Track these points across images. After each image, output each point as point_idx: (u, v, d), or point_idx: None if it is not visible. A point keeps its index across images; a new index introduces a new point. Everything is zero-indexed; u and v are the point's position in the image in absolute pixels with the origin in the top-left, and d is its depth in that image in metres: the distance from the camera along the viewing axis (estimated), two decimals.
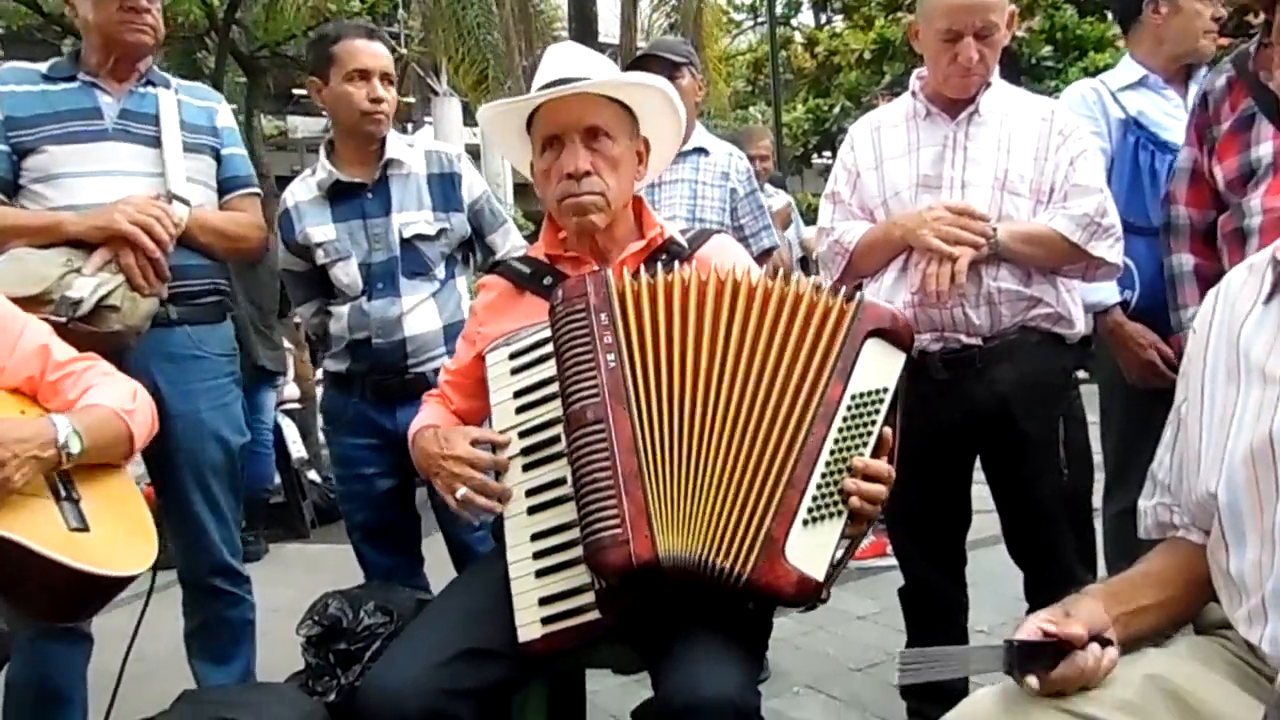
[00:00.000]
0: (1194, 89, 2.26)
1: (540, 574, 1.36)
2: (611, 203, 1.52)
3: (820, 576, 1.26)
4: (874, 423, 1.32)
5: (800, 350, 1.33)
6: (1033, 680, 1.01)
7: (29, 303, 1.75)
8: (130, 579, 1.49)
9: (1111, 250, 1.93)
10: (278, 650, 2.50)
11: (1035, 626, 1.05)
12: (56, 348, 1.59)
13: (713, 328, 1.34)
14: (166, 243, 1.94)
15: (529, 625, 1.35)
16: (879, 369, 1.34)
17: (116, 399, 1.54)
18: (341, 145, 2.31)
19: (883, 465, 1.32)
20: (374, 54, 2.24)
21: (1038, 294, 1.93)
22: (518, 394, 1.44)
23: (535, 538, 1.37)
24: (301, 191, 2.32)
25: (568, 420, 1.32)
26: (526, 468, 1.41)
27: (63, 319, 1.79)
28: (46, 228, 1.90)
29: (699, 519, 1.26)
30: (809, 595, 1.26)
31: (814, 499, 1.27)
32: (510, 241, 2.42)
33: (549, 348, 1.41)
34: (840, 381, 1.31)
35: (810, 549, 1.26)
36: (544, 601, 1.35)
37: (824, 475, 1.28)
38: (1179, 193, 2.04)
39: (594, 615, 1.32)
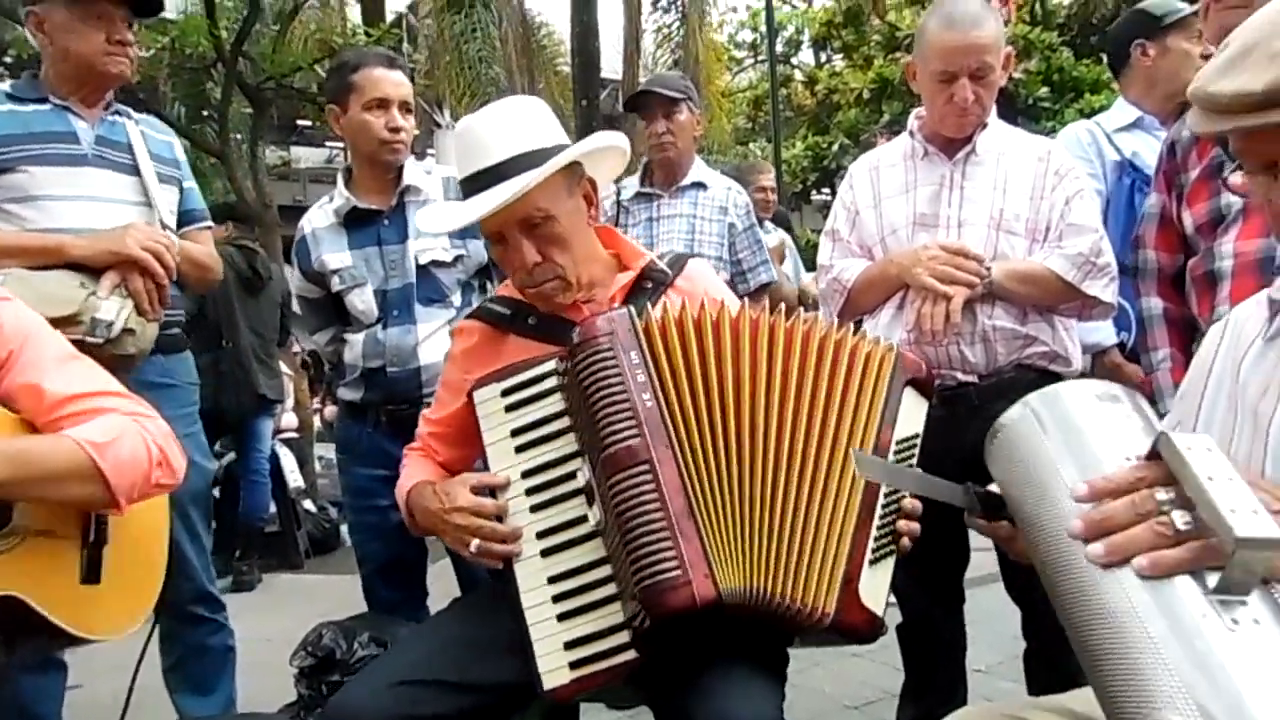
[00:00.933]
0: None
1: (563, 617, 1.32)
2: (573, 275, 1.50)
3: (882, 613, 1.31)
4: (912, 466, 1.39)
5: (849, 394, 1.34)
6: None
7: (54, 324, 1.73)
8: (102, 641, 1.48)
9: (1106, 290, 1.94)
10: (269, 680, 2.47)
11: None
12: (59, 382, 1.41)
13: (753, 367, 1.32)
14: (173, 270, 1.96)
15: (555, 671, 1.30)
16: (914, 415, 1.41)
17: (88, 431, 1.34)
18: (359, 172, 2.32)
19: (918, 504, 1.38)
20: (394, 83, 2.24)
21: (1034, 332, 1.94)
22: (515, 432, 1.40)
23: (553, 580, 1.33)
24: (319, 218, 2.32)
25: (604, 462, 1.27)
26: (534, 508, 1.37)
27: (99, 340, 1.79)
28: (47, 249, 1.88)
29: (762, 556, 1.25)
30: (878, 632, 1.31)
31: (876, 538, 1.31)
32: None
33: (548, 383, 1.39)
34: (890, 426, 1.36)
35: (874, 587, 1.30)
36: (570, 645, 1.30)
37: (881, 517, 1.33)
38: (1148, 237, 2.05)
39: (628, 655, 1.28)
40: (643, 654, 1.28)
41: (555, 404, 1.38)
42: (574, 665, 1.30)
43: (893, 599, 2.97)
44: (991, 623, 2.49)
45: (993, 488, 1.07)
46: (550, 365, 1.39)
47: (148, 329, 1.93)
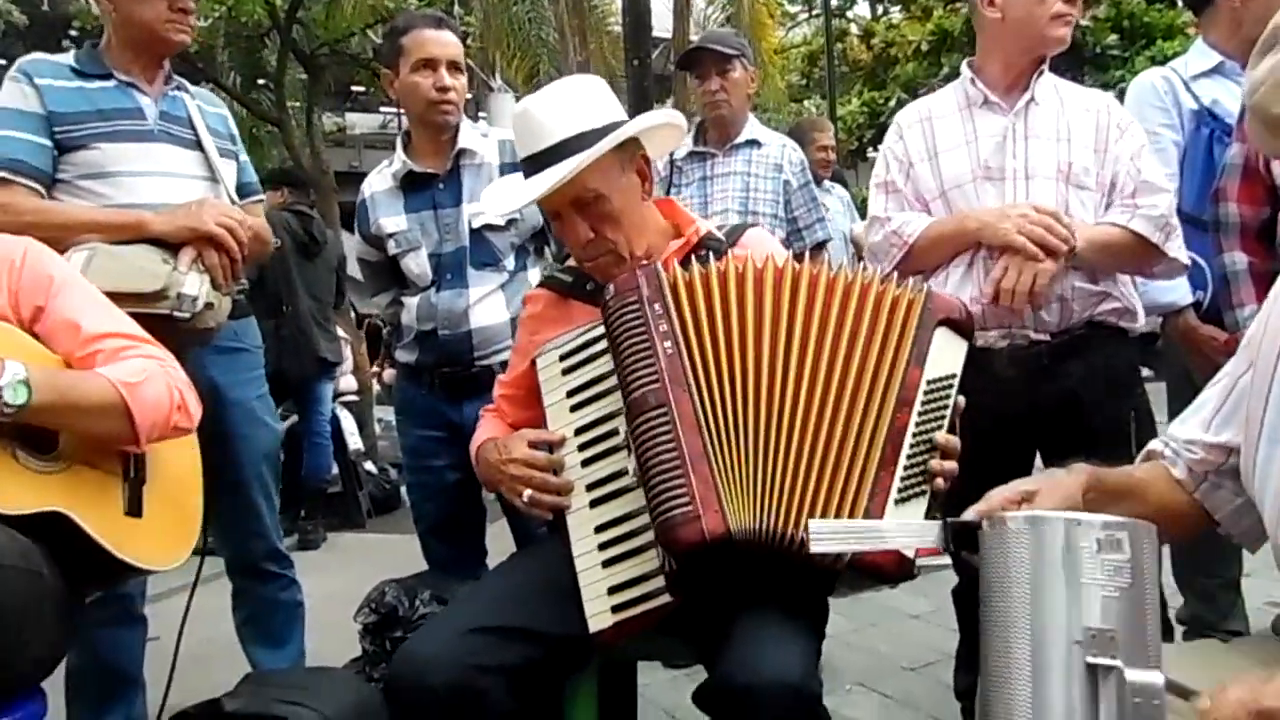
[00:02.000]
0: None
1: (607, 564, 1.38)
2: (626, 250, 1.55)
3: (912, 554, 1.30)
4: (947, 407, 1.38)
5: (874, 336, 1.36)
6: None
7: (143, 299, 1.79)
8: (154, 571, 1.55)
9: (1181, 250, 1.89)
10: (333, 637, 2.54)
11: (986, 505, 1.12)
12: (93, 321, 1.51)
13: (774, 313, 1.36)
14: (246, 245, 2.00)
15: (599, 615, 1.36)
16: (948, 356, 1.39)
17: (119, 370, 1.44)
18: (415, 136, 2.32)
19: (956, 440, 1.37)
20: (442, 43, 2.24)
21: (1106, 288, 1.89)
22: (570, 393, 1.47)
23: (599, 529, 1.40)
24: (377, 182, 2.35)
25: (629, 409, 1.34)
26: (585, 463, 1.44)
27: (186, 315, 1.85)
28: (127, 225, 1.91)
29: (777, 495, 1.28)
30: (906, 573, 1.31)
31: (902, 479, 1.32)
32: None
33: (599, 345, 1.43)
34: (918, 366, 1.36)
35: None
36: (613, 590, 1.36)
37: (909, 456, 1.33)
38: (1230, 189, 1.96)
39: (664, 599, 1.33)
40: (677, 597, 1.32)
41: (606, 365, 1.43)
42: (615, 609, 1.35)
43: (948, 560, 2.96)
44: None
45: (970, 516, 1.11)
46: (602, 329, 1.43)
47: (223, 302, 1.98)
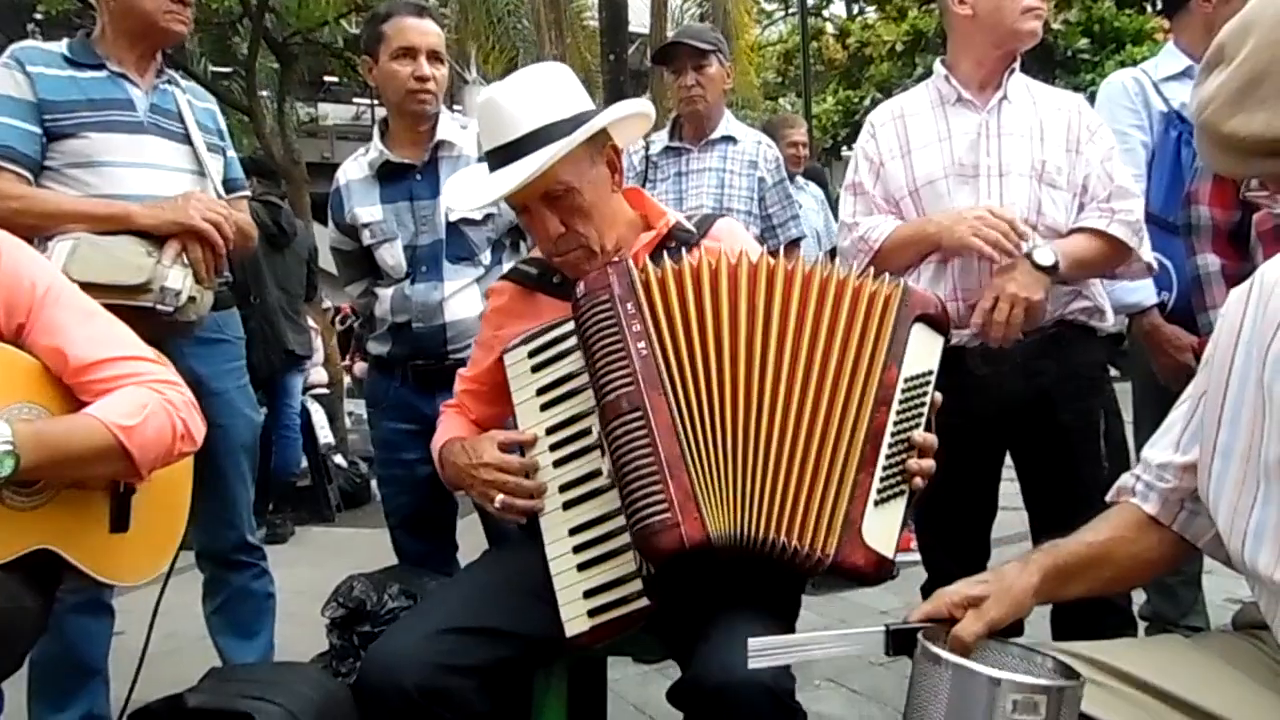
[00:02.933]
0: None
1: (583, 567, 1.36)
2: (597, 244, 1.50)
3: (891, 554, 1.30)
4: (924, 404, 1.36)
5: (852, 333, 1.34)
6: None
7: (127, 292, 1.78)
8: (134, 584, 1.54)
9: (1149, 252, 1.93)
10: (301, 631, 2.52)
11: (933, 607, 1.12)
12: (81, 344, 1.41)
13: (750, 310, 1.33)
14: (231, 239, 2.00)
15: (576, 619, 1.35)
16: (924, 352, 1.38)
17: (115, 410, 1.37)
18: (393, 125, 2.30)
19: (933, 438, 1.36)
20: (423, 31, 2.22)
21: (1078, 287, 1.91)
22: (540, 391, 1.44)
23: (574, 532, 1.38)
24: (353, 171, 2.32)
25: (603, 411, 1.31)
26: (558, 464, 1.41)
27: (169, 309, 1.84)
28: (114, 216, 1.89)
29: (756, 498, 1.27)
30: (885, 574, 1.30)
31: (881, 479, 1.31)
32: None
33: (569, 342, 1.41)
34: (895, 364, 1.34)
35: (882, 528, 1.29)
36: (589, 594, 1.35)
37: (888, 455, 1.31)
38: (1201, 192, 1.99)
39: (641, 603, 1.32)
40: (654, 600, 1.32)
41: (576, 362, 1.40)
42: (592, 613, 1.34)
43: (918, 556, 2.98)
44: None
45: (915, 619, 1.13)
46: (571, 325, 1.40)
47: (206, 296, 1.98)
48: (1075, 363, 1.91)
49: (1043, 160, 1.89)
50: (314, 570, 3.43)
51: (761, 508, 1.27)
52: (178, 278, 1.87)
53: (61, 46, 2.05)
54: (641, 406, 1.28)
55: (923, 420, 1.36)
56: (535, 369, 1.45)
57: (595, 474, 1.37)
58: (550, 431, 1.43)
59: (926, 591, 2.18)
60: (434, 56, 2.23)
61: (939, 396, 1.40)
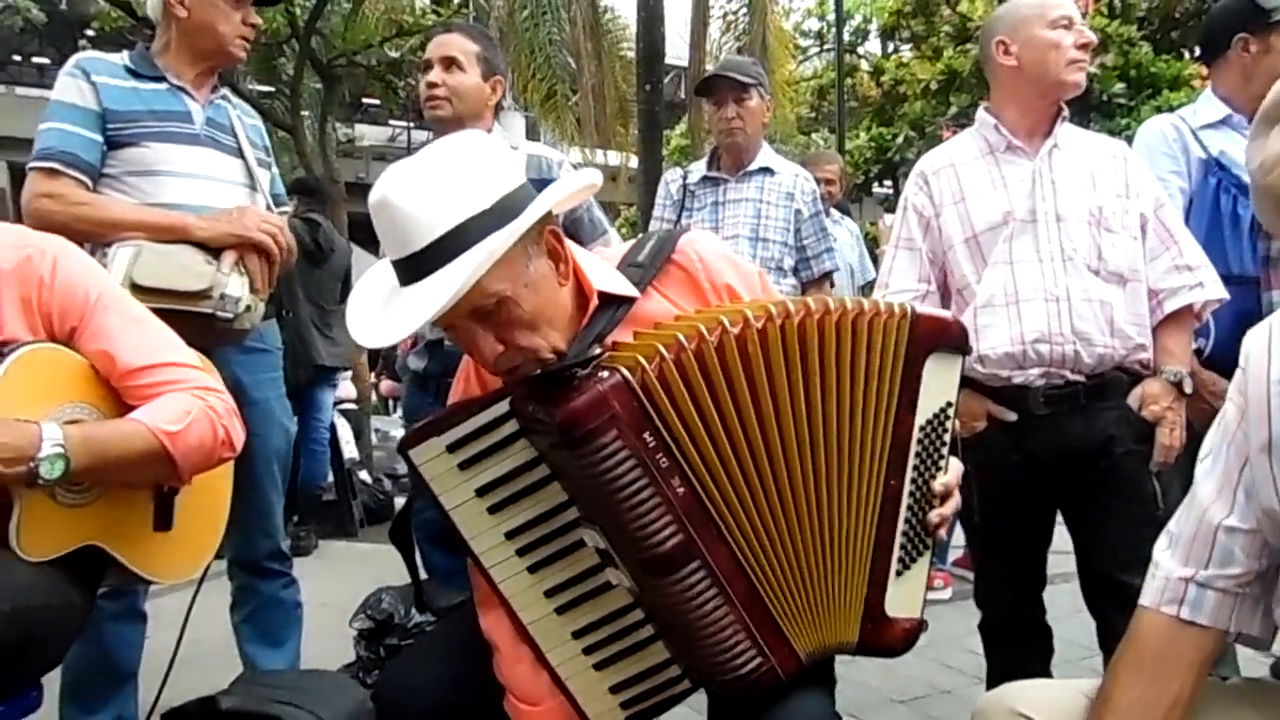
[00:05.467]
0: None
1: (601, 666, 1.25)
2: (548, 351, 1.18)
3: (919, 614, 1.26)
4: (944, 443, 1.26)
5: (868, 390, 1.19)
6: None
7: (188, 298, 1.83)
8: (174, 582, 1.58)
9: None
10: (324, 643, 2.54)
11: None
12: (129, 350, 1.43)
13: (773, 397, 1.14)
14: (285, 251, 2.06)
15: (607, 712, 1.25)
16: (941, 383, 1.24)
17: (161, 416, 1.38)
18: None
19: (954, 477, 1.27)
20: (438, 42, 2.32)
21: (1143, 340, 1.94)
22: (482, 492, 1.22)
23: (579, 635, 1.25)
24: None
25: (647, 566, 1.13)
26: (533, 569, 1.24)
27: (229, 315, 1.89)
28: (173, 227, 1.93)
29: (821, 607, 1.20)
30: (914, 639, 1.26)
31: (902, 547, 1.23)
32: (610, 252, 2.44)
33: (505, 429, 1.20)
34: (909, 414, 1.21)
35: (907, 595, 1.25)
36: (617, 689, 1.25)
37: (907, 520, 1.23)
38: None
39: (684, 686, 1.26)
40: (699, 686, 1.26)
41: (523, 451, 1.20)
42: (626, 704, 1.26)
43: (943, 594, 2.94)
44: (1058, 623, 2.43)
45: None
46: (504, 408, 1.20)
47: (260, 305, 2.03)
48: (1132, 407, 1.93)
49: (1099, 206, 1.91)
50: (337, 583, 3.45)
51: (826, 612, 1.20)
52: (237, 285, 1.93)
53: (123, 58, 2.11)
54: (699, 556, 1.11)
55: (944, 462, 1.26)
56: (464, 466, 1.22)
57: (590, 572, 1.23)
58: (511, 535, 1.23)
59: (986, 627, 2.16)
60: (448, 64, 2.29)
61: (958, 425, 1.29)
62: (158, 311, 1.56)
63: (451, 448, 1.21)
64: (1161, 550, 1.14)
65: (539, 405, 1.15)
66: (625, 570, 1.18)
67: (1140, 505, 1.88)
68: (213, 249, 1.95)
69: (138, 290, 1.74)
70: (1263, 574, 1.08)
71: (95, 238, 1.90)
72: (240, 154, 2.15)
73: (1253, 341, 1.09)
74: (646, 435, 1.08)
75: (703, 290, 1.28)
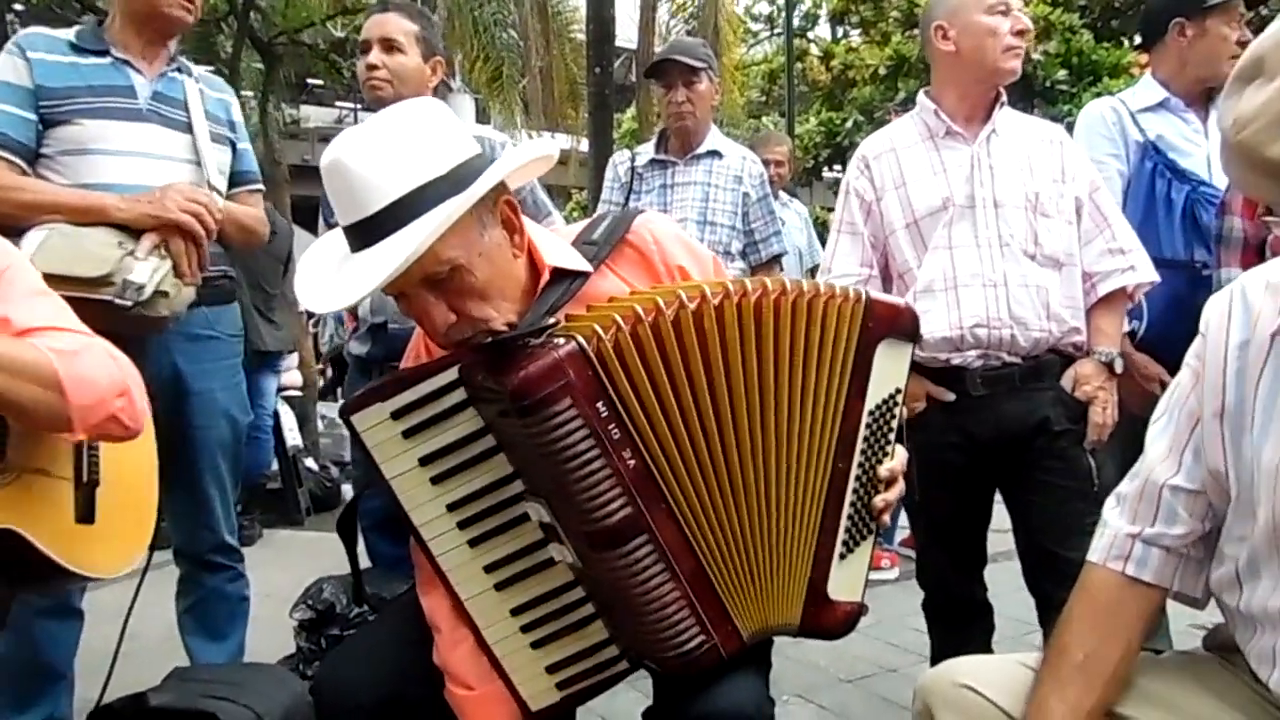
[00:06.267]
0: (1214, 113, 2.26)
1: (538, 644, 1.24)
2: (500, 322, 1.17)
3: (859, 598, 1.27)
4: (891, 428, 1.26)
5: (819, 374, 1.19)
6: None
7: (87, 284, 1.73)
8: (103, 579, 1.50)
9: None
10: (269, 634, 2.49)
11: None
12: (24, 314, 1.32)
13: (727, 373, 1.13)
14: (214, 232, 1.96)
15: (542, 693, 1.23)
16: (891, 370, 1.25)
17: (55, 342, 1.27)
18: None
19: (899, 463, 1.28)
20: (376, 23, 2.26)
21: (1077, 323, 1.98)
22: (425, 461, 1.19)
23: (516, 612, 1.23)
24: None
25: (593, 539, 1.11)
26: (473, 543, 1.22)
27: (128, 303, 1.79)
28: (89, 209, 1.86)
29: (765, 586, 1.20)
30: (854, 623, 1.27)
31: (846, 530, 1.24)
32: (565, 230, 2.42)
33: (452, 398, 1.17)
34: (859, 399, 1.21)
35: (849, 578, 1.25)
36: (553, 669, 1.24)
37: (852, 504, 1.24)
38: (1235, 204, 2.02)
39: (621, 666, 1.25)
40: (638, 666, 1.25)
41: (470, 421, 1.18)
42: (562, 685, 1.25)
43: (889, 575, 2.97)
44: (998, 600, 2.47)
45: None
46: (451, 375, 1.18)
47: (184, 291, 1.93)
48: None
49: (1035, 192, 1.94)
50: (282, 573, 3.39)
51: (770, 593, 1.20)
52: (144, 271, 1.82)
53: (70, 33, 2.03)
54: (646, 530, 1.10)
55: (890, 446, 1.27)
56: (409, 434, 1.19)
57: (531, 548, 1.22)
58: (453, 508, 1.20)
59: (929, 604, 2.19)
60: (387, 45, 2.24)
61: (905, 412, 1.30)
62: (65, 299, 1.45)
63: (396, 414, 1.18)
64: (1110, 509, 1.18)
65: (489, 373, 1.13)
66: (569, 545, 1.17)
67: (1076, 481, 1.93)
68: (134, 231, 1.87)
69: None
70: (1204, 536, 1.11)
71: (15, 221, 1.82)
72: (190, 129, 2.06)
73: (1213, 309, 1.10)
74: (600, 405, 1.07)
75: (656, 270, 1.28)
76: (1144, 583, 1.12)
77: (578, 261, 1.24)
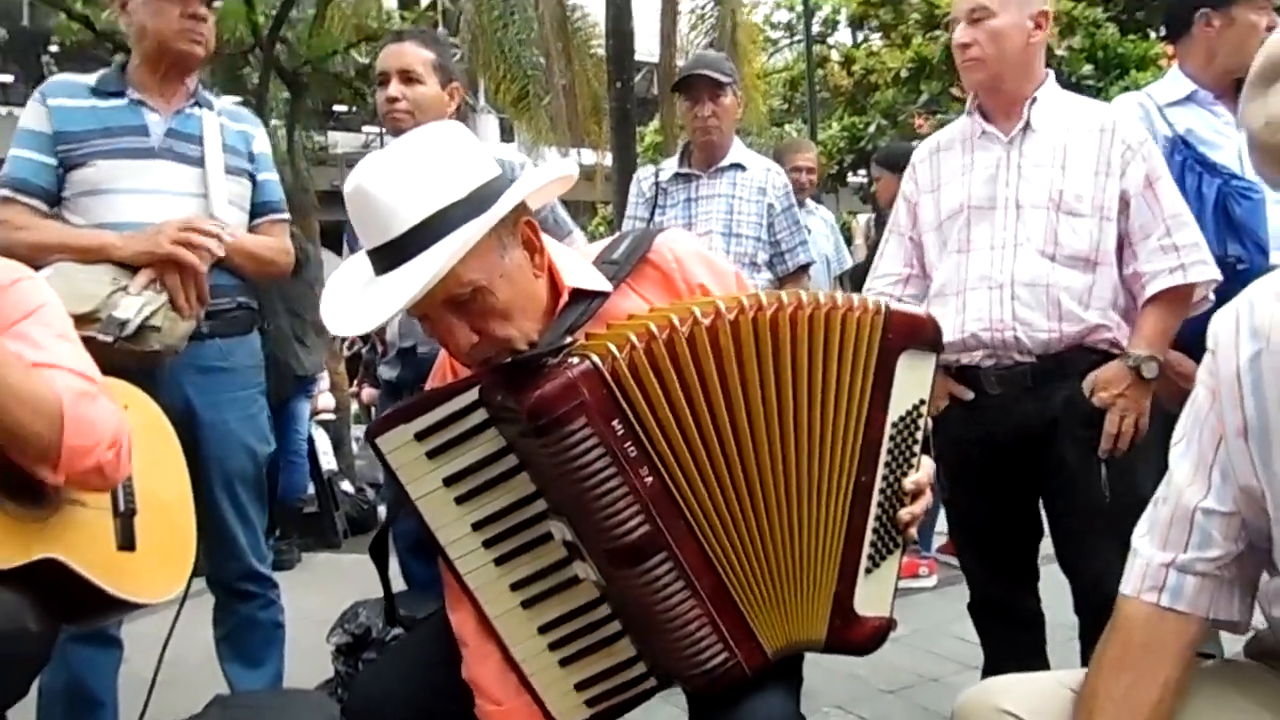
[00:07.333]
0: None
1: (565, 662, 1.23)
2: (523, 342, 1.18)
3: (888, 613, 1.24)
4: (916, 440, 1.24)
5: (839, 386, 1.18)
6: None
7: (75, 321, 1.77)
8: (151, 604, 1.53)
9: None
10: (307, 659, 2.50)
11: None
12: (43, 355, 1.36)
13: (744, 389, 1.13)
14: (209, 262, 1.97)
15: (572, 710, 1.23)
16: (913, 381, 1.23)
17: (71, 382, 1.31)
18: None
19: (925, 475, 1.26)
20: (393, 54, 2.27)
21: (1100, 320, 1.89)
22: (449, 481, 1.21)
23: (544, 630, 1.23)
24: None
25: (612, 557, 1.12)
26: (499, 561, 1.23)
27: (109, 338, 1.82)
28: (92, 249, 1.91)
29: (788, 601, 1.19)
30: (884, 638, 1.24)
31: (872, 544, 1.22)
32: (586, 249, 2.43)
33: (473, 418, 1.19)
34: (881, 411, 1.20)
35: (876, 593, 1.23)
36: (583, 686, 1.23)
37: (878, 517, 1.22)
38: None
39: (650, 684, 1.24)
40: (666, 684, 1.25)
41: (492, 441, 1.20)
42: (590, 702, 1.24)
43: (927, 583, 2.91)
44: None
45: None
46: (472, 396, 1.20)
47: (179, 325, 1.94)
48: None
49: (1060, 190, 1.89)
50: (321, 597, 3.41)
51: (793, 609, 1.19)
52: (131, 307, 1.84)
53: (91, 78, 2.09)
54: (666, 547, 1.10)
55: (915, 459, 1.25)
56: (432, 455, 1.20)
57: (557, 566, 1.22)
58: (478, 527, 1.22)
59: (974, 610, 2.16)
60: (405, 77, 2.25)
61: (929, 424, 1.29)
62: None
63: (420, 436, 1.20)
64: (1140, 537, 1.13)
65: (508, 393, 1.14)
66: (592, 563, 1.17)
67: (1083, 495, 1.87)
68: (134, 268, 1.91)
69: None
70: (1239, 556, 1.07)
71: (28, 261, 1.85)
72: (203, 163, 2.09)
73: (1221, 324, 1.07)
74: (615, 423, 1.08)
75: (677, 289, 1.28)
76: (1178, 612, 1.07)
77: (598, 281, 1.25)
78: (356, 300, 1.20)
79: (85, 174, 1.99)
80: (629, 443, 1.08)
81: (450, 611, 1.30)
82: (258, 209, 2.22)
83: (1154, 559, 1.09)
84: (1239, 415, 1.03)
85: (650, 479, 1.09)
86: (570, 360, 1.10)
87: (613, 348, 1.09)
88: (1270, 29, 2.21)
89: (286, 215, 2.33)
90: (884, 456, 1.21)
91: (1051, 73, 2.03)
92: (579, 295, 1.23)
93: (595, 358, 1.09)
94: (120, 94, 2.06)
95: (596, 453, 1.07)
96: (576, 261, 1.29)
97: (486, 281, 1.14)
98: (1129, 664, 1.06)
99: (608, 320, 1.23)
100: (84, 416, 1.32)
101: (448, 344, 1.21)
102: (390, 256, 1.13)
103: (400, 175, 1.14)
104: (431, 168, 1.14)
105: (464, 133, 1.22)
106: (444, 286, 1.11)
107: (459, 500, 1.21)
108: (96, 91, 2.05)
